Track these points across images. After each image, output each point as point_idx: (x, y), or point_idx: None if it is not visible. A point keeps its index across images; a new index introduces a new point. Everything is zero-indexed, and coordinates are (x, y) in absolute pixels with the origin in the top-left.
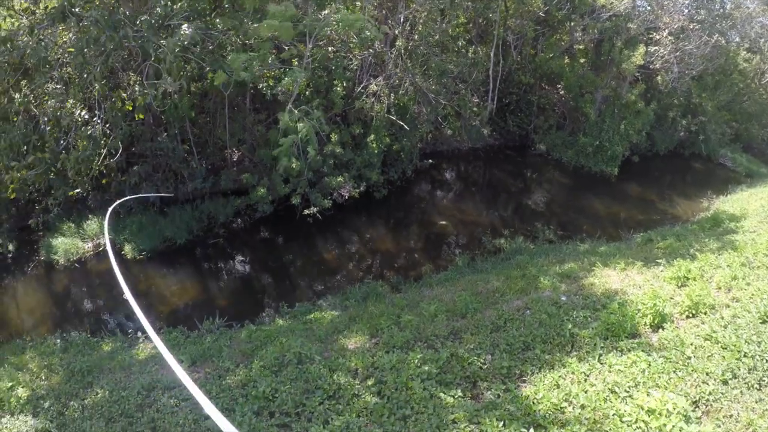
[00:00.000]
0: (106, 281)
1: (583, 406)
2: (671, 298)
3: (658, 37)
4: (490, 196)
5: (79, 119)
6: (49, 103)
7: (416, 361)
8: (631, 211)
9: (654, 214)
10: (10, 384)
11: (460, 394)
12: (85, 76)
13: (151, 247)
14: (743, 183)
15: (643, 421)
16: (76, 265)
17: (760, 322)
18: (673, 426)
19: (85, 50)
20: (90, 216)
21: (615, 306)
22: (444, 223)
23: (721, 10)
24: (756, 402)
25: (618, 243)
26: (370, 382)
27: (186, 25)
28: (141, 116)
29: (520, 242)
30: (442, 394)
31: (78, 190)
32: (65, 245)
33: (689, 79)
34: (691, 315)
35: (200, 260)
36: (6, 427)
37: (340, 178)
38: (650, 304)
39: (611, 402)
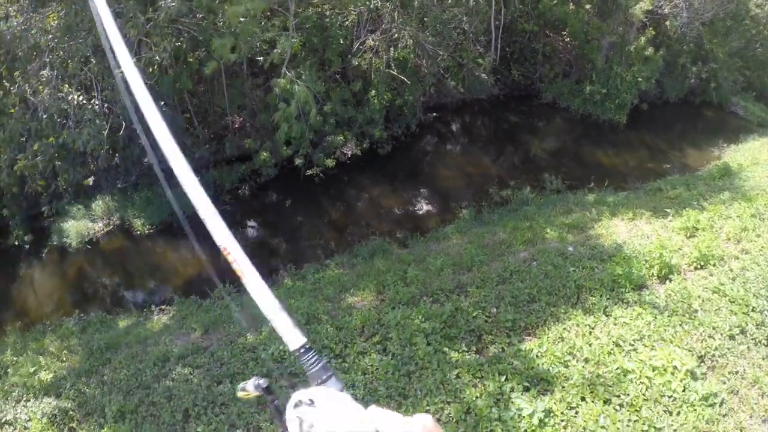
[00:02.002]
0: (119, 259)
1: (587, 360)
2: (679, 249)
3: None
4: (497, 147)
5: (77, 103)
6: (44, 91)
7: (420, 316)
8: (640, 160)
9: (664, 163)
10: (33, 369)
11: (464, 348)
12: (77, 57)
13: (160, 220)
14: (755, 132)
15: (647, 377)
16: (88, 246)
17: None
18: (679, 383)
19: (72, 30)
20: (97, 197)
21: (621, 257)
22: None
23: None
24: (763, 359)
25: (626, 192)
26: (375, 339)
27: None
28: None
29: (527, 193)
30: (446, 349)
31: (89, 180)
32: (76, 228)
33: (699, 25)
34: (699, 267)
35: (208, 229)
36: (31, 410)
37: (341, 137)
38: (657, 255)
39: (615, 356)
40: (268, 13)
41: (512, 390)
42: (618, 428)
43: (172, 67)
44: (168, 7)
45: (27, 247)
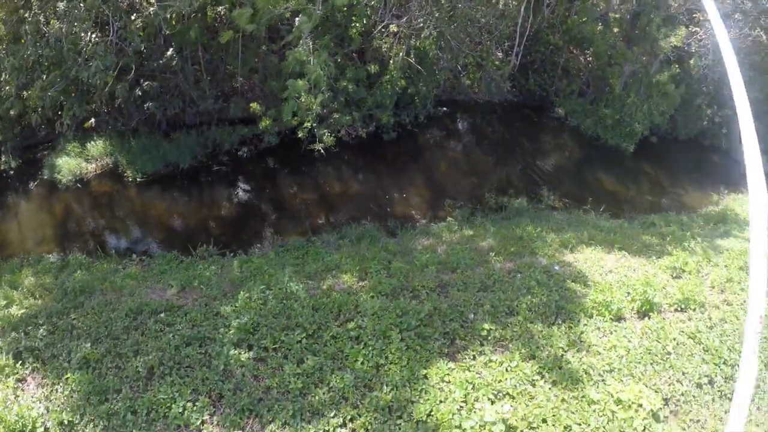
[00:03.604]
0: (107, 202)
1: (554, 383)
2: (663, 287)
3: (700, 18)
4: (501, 152)
5: (90, 41)
6: (57, 25)
7: (398, 310)
8: (639, 191)
9: (662, 198)
10: (5, 302)
11: (436, 349)
12: None
13: (154, 170)
14: None
15: (611, 410)
16: (78, 185)
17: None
18: (641, 421)
19: None
20: (95, 137)
21: (605, 285)
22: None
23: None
24: (725, 413)
25: (621, 221)
26: (350, 326)
27: None
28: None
29: (523, 204)
30: (418, 347)
31: (91, 121)
32: (69, 165)
33: (722, 69)
34: (679, 309)
35: (201, 186)
36: (2, 348)
37: (349, 117)
38: (641, 290)
39: (583, 384)
40: None
41: (477, 400)
42: None
43: (192, 18)
44: None
45: (12, 173)
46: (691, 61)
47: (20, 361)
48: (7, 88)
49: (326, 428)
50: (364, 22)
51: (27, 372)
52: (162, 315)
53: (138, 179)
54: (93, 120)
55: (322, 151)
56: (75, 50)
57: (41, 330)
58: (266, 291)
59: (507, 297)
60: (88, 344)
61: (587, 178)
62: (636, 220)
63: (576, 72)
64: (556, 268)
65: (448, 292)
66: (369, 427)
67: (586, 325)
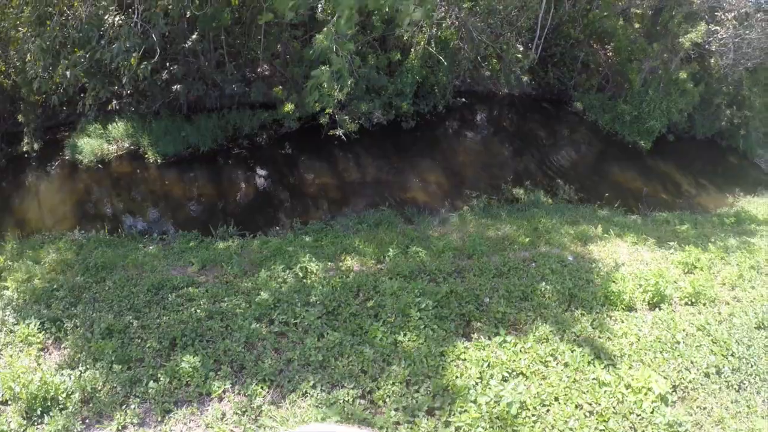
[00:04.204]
0: (128, 183)
1: (566, 364)
2: (675, 281)
3: (722, 17)
4: (518, 144)
5: (113, 23)
6: (80, 7)
7: (417, 291)
8: (655, 188)
9: (677, 197)
10: (27, 276)
11: (453, 329)
12: None
13: (174, 152)
14: None
15: (620, 392)
16: (99, 166)
17: (755, 327)
18: (650, 404)
19: None
20: (117, 119)
21: (618, 276)
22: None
23: None
24: (731, 402)
25: (635, 217)
26: (369, 304)
27: None
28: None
29: (539, 196)
30: (435, 326)
31: (114, 103)
32: (90, 146)
33: (743, 70)
34: (690, 303)
35: (221, 169)
36: (20, 314)
37: (369, 104)
38: (653, 282)
39: (594, 366)
40: None
41: (491, 377)
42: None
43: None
44: None
45: (35, 155)
46: (712, 60)
47: (42, 331)
48: (33, 69)
49: (346, 398)
50: (386, 9)
51: (49, 342)
52: (184, 290)
53: (159, 161)
54: (115, 102)
55: (342, 136)
56: (99, 31)
57: (63, 302)
58: (286, 270)
59: (522, 283)
60: (111, 316)
61: (603, 174)
62: (650, 217)
63: (596, 67)
64: (570, 258)
65: (465, 276)
66: (387, 399)
67: (598, 312)
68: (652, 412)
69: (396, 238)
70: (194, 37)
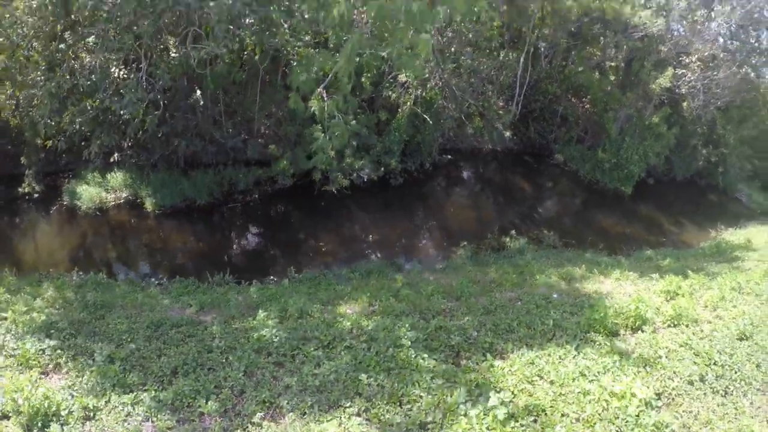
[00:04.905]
0: (126, 230)
1: (552, 382)
2: (657, 308)
3: (687, 61)
4: (503, 197)
5: (118, 77)
6: (87, 59)
7: (407, 326)
8: (638, 231)
9: (660, 236)
10: (26, 308)
11: (442, 359)
12: (134, 29)
13: (172, 204)
14: (756, 220)
15: (605, 400)
16: (98, 213)
17: (737, 338)
18: (634, 408)
19: (136, 7)
20: (115, 170)
21: (600, 305)
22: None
23: (756, 44)
24: (718, 405)
25: (619, 257)
26: (362, 338)
27: None
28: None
29: (524, 243)
30: (425, 355)
31: (115, 155)
32: (89, 193)
33: (714, 109)
34: (672, 325)
35: (217, 221)
36: (20, 340)
37: (361, 161)
38: (633, 307)
39: (579, 382)
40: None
41: (480, 395)
42: None
43: (218, 60)
44: (225, 3)
45: (36, 197)
46: (684, 104)
47: (42, 356)
48: (40, 113)
49: (342, 416)
50: (374, 72)
51: (50, 367)
52: (184, 327)
53: (156, 211)
54: (117, 154)
55: (335, 192)
56: (107, 81)
57: (63, 333)
58: (283, 311)
59: (508, 318)
60: (112, 346)
61: (587, 220)
62: (633, 256)
63: (574, 119)
64: (555, 296)
65: (453, 315)
66: (381, 417)
67: (581, 339)
68: (637, 416)
69: (387, 284)
70: (197, 94)
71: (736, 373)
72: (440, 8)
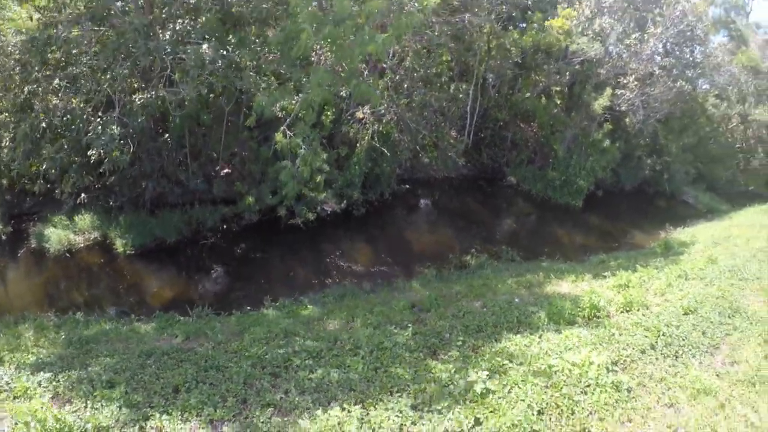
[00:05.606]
0: (96, 272)
1: (521, 363)
2: (610, 300)
3: (625, 81)
4: (461, 221)
5: (93, 115)
6: (54, 101)
7: (387, 332)
8: (591, 240)
9: (612, 242)
10: (11, 347)
11: (422, 357)
12: (108, 75)
13: (142, 244)
14: (703, 218)
15: (569, 369)
16: (67, 255)
17: (683, 314)
18: (594, 372)
19: (114, 51)
20: (83, 212)
21: (558, 301)
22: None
23: (690, 59)
24: (669, 366)
25: (574, 263)
26: (347, 347)
27: (205, 45)
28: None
29: (485, 260)
30: (407, 355)
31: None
32: (57, 236)
33: (655, 122)
34: (625, 311)
35: (188, 259)
36: (13, 375)
37: (324, 194)
38: (587, 299)
39: (544, 359)
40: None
41: (460, 378)
42: (542, 399)
43: (190, 102)
44: (203, 52)
45: (3, 239)
46: (627, 120)
47: (40, 387)
48: (12, 154)
49: (342, 406)
50: (333, 110)
51: (49, 397)
52: (175, 354)
53: (127, 251)
54: (84, 196)
55: (301, 225)
56: (82, 120)
57: (55, 367)
58: (268, 332)
59: (476, 320)
60: (111, 373)
61: (542, 234)
62: (587, 261)
63: (524, 142)
64: (517, 300)
65: (426, 322)
66: (376, 404)
67: (543, 329)
68: (597, 377)
69: (360, 303)
70: (166, 137)
71: (683, 340)
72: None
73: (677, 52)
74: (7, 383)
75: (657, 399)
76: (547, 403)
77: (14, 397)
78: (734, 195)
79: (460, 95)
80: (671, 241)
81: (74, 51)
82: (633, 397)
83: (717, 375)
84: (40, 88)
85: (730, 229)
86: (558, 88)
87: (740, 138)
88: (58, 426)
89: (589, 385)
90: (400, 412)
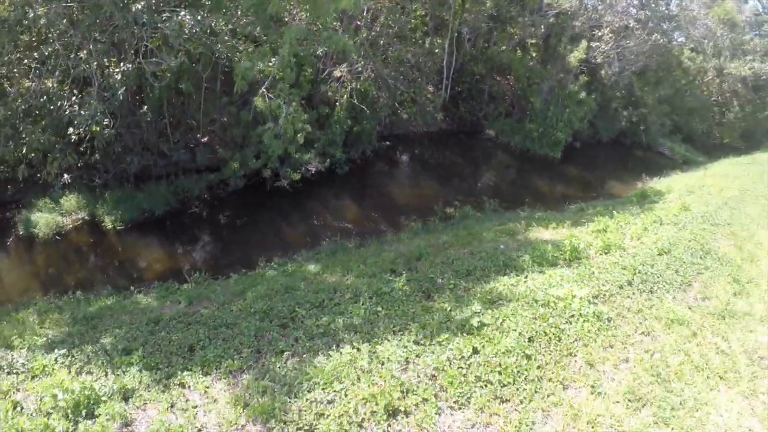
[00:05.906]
0: (89, 251)
1: (509, 300)
2: (589, 244)
3: (600, 34)
4: (443, 174)
5: (67, 97)
6: (26, 83)
7: (383, 279)
8: (570, 189)
9: (591, 192)
10: (17, 332)
11: (418, 300)
12: (84, 52)
13: (131, 218)
14: (679, 169)
15: (553, 303)
16: (57, 237)
17: (657, 254)
18: (577, 304)
19: (89, 27)
20: (67, 193)
21: (540, 245)
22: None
23: (666, 12)
24: (646, 300)
25: (555, 212)
26: (348, 296)
27: (183, 12)
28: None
29: (468, 210)
30: (404, 299)
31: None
32: (45, 220)
33: (630, 74)
34: (603, 253)
35: (179, 229)
36: (26, 356)
37: (307, 155)
38: (568, 243)
39: (530, 295)
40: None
41: (457, 314)
42: (532, 328)
43: (173, 74)
44: (181, 21)
45: None
46: (602, 72)
47: (58, 363)
48: None
49: (352, 345)
50: (311, 70)
51: (69, 371)
52: (182, 318)
53: (117, 227)
54: (67, 176)
55: (287, 186)
56: (59, 101)
57: (66, 344)
58: (270, 290)
59: (465, 265)
60: (122, 345)
61: (522, 185)
62: (567, 210)
63: (501, 95)
64: (502, 246)
65: (418, 269)
66: (382, 342)
67: (528, 271)
68: (579, 308)
69: (353, 257)
70: (144, 109)
71: (658, 277)
72: None
73: (653, 5)
74: (23, 364)
75: (635, 328)
76: (536, 332)
77: (33, 377)
78: (710, 147)
79: (436, 50)
80: (647, 191)
81: (46, 31)
82: (613, 326)
83: (689, 308)
84: (15, 71)
85: (704, 179)
86: (533, 41)
87: (716, 91)
88: (86, 393)
89: (573, 316)
90: (405, 347)
